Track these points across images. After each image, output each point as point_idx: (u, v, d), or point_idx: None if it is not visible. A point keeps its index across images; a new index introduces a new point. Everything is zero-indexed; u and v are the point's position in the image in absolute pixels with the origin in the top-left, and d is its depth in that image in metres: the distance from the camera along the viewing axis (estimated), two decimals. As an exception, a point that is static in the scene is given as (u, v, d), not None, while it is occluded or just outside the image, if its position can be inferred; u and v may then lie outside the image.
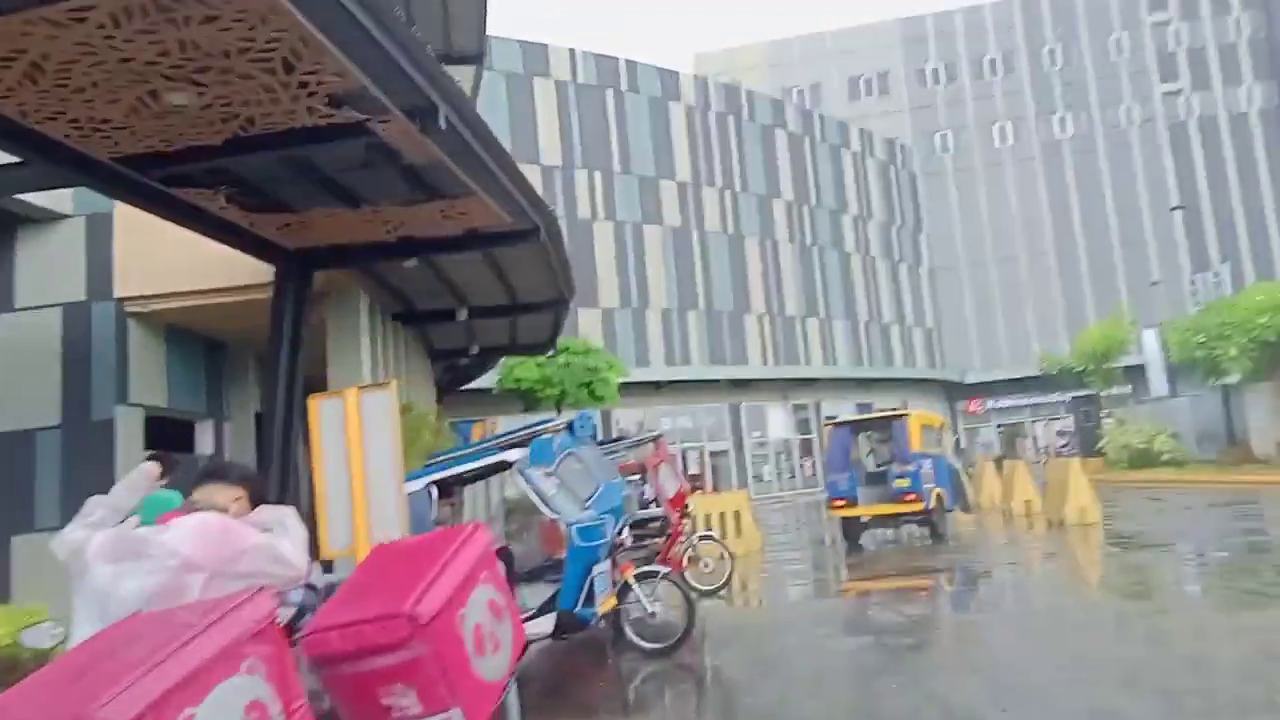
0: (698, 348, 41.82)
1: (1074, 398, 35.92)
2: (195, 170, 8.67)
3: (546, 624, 6.44)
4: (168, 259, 13.28)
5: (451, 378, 29.65)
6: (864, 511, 15.04)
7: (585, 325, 37.45)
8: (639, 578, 7.37)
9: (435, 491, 6.50)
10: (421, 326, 18.99)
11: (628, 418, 38.63)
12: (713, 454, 41.08)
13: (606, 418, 37.05)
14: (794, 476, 43.34)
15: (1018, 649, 6.85)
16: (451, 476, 6.80)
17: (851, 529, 15.28)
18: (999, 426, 53.46)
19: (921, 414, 18.39)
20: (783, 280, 45.95)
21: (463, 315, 17.59)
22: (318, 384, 14.99)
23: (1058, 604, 8.87)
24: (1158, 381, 34.30)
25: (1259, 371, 23.09)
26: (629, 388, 34.41)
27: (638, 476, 10.30)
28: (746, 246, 44.56)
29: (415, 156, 9.25)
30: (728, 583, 10.71)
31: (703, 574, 10.70)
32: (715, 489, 39.00)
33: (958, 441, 18.96)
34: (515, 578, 7.16)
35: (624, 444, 10.33)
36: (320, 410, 5.59)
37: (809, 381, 44.07)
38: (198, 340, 15.48)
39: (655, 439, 10.47)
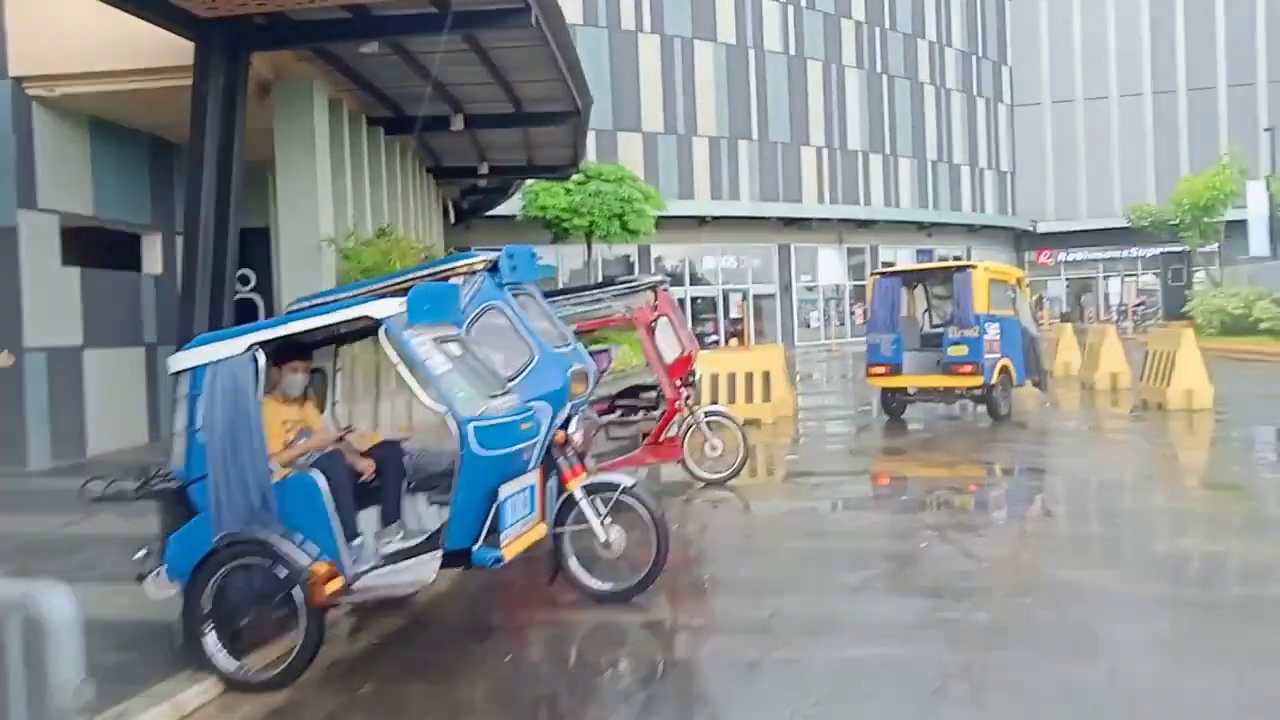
0: (748, 181, 38.43)
1: (1164, 253, 32.30)
2: None
3: (425, 568, 4.19)
4: (77, 32, 10.69)
5: (472, 204, 27.16)
6: (908, 382, 12.52)
7: (625, 150, 34.24)
8: (591, 490, 5.06)
9: (261, 358, 4.14)
10: (413, 136, 16.29)
11: (670, 255, 36.01)
12: (758, 298, 38.49)
13: (644, 254, 34.46)
14: (844, 324, 40.76)
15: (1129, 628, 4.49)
16: (293, 337, 4.41)
17: (893, 401, 12.84)
18: (1068, 282, 49.74)
19: (993, 266, 15.41)
20: (847, 110, 41.74)
21: (458, 124, 14.86)
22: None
23: (1177, 551, 6.46)
24: (1259, 240, 30.51)
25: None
26: (669, 222, 31.59)
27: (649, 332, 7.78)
28: (809, 70, 40.21)
29: None
30: (739, 469, 8.42)
31: (709, 458, 8.41)
32: (758, 336, 36.72)
33: (1039, 300, 15.58)
34: (405, 485, 4.89)
35: (608, 292, 7.84)
36: None
37: (867, 223, 40.67)
38: (137, 139, 13.04)
39: (654, 285, 7.96)
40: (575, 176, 25.62)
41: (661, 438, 7.85)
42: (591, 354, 9.11)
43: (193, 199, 9.89)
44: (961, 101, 47.81)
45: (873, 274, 13.67)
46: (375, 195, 13.81)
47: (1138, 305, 40.70)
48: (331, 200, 11.72)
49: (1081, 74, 53.95)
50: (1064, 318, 37.74)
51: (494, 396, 4.46)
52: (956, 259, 39.42)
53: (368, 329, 4.49)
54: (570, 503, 5.05)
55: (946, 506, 7.61)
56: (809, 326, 39.82)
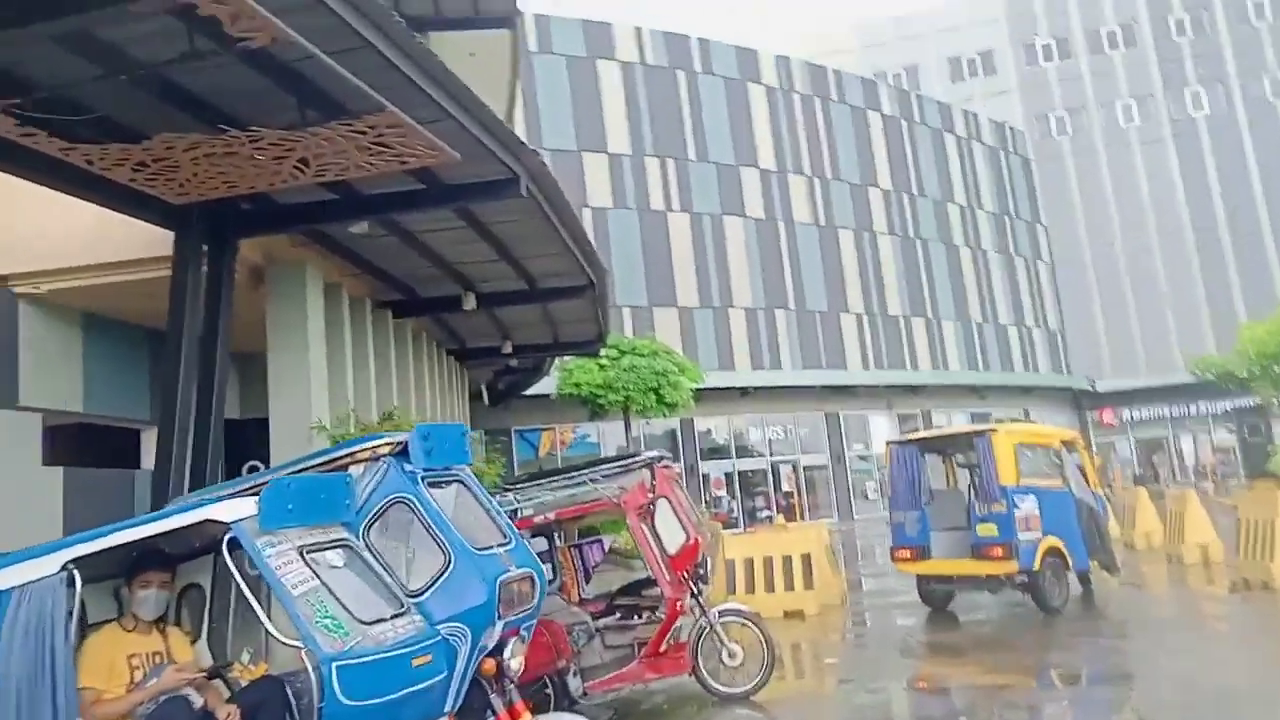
0: (788, 350, 37.76)
1: (1235, 408, 30.38)
2: None
3: None
4: (61, 228, 10.45)
5: (508, 384, 26.70)
6: (938, 568, 10.75)
7: (662, 326, 33.96)
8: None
9: (78, 579, 3.13)
10: (428, 319, 15.87)
11: (714, 428, 35.03)
12: (809, 469, 36.94)
13: (688, 427, 33.51)
14: (900, 494, 38.72)
15: None
16: (128, 550, 3.41)
17: (931, 591, 11.07)
18: (1136, 442, 47.30)
19: (1022, 427, 13.91)
20: (883, 276, 41.44)
21: (470, 303, 14.35)
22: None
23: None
24: (1339, 385, 28.60)
25: None
26: (710, 394, 30.78)
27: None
28: (840, 239, 40.29)
29: (261, 38, 6.10)
30: (764, 680, 6.99)
31: (727, 668, 7.01)
32: (813, 510, 34.99)
33: (1100, 468, 13.46)
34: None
35: (599, 471, 6.76)
36: None
37: (916, 389, 39.43)
38: (134, 332, 12.65)
39: (650, 463, 6.88)
40: (609, 352, 25.15)
41: (664, 646, 6.50)
42: (580, 546, 8.05)
43: (169, 392, 9.22)
44: (1000, 261, 47.43)
45: (888, 443, 12.09)
46: (382, 379, 13.16)
47: (1218, 465, 38.19)
48: (327, 386, 11.04)
49: (1119, 225, 53.66)
50: (1137, 480, 35.45)
51: (379, 621, 3.35)
52: (985, 425, 37.78)
53: (201, 543, 3.48)
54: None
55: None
56: (866, 498, 37.93)
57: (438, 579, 3.74)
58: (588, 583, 7.53)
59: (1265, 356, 27.26)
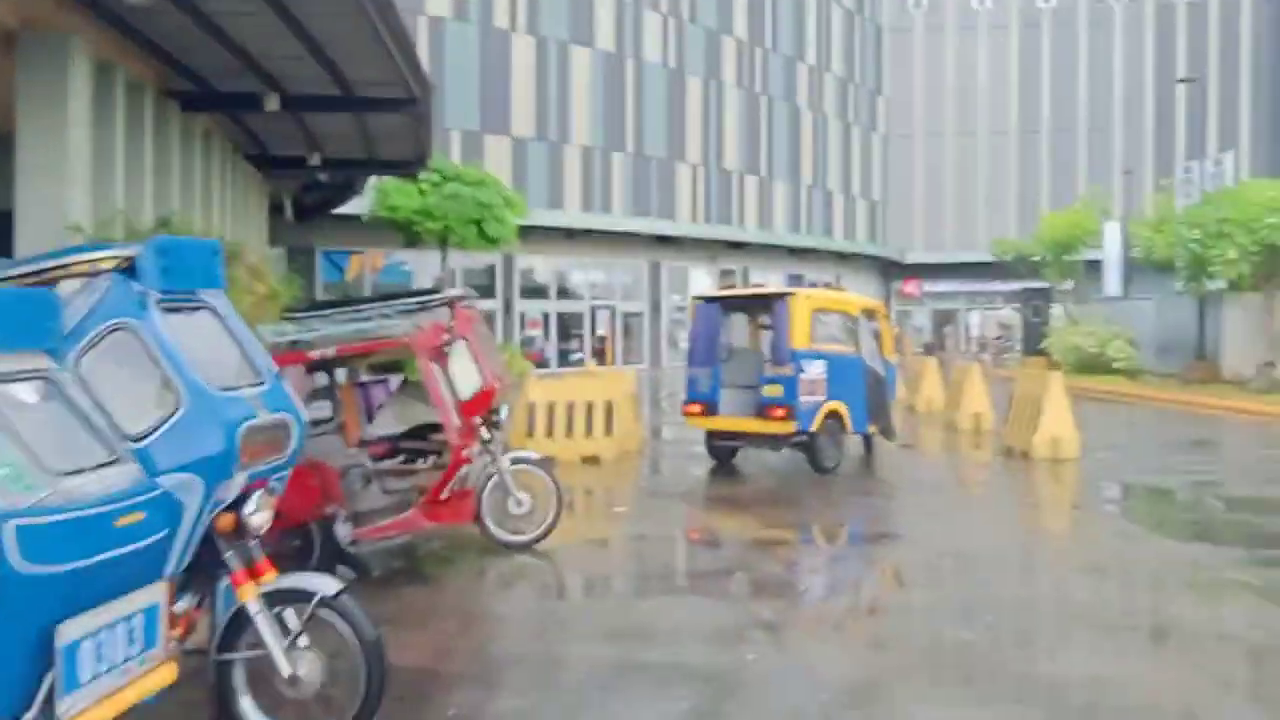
0: (620, 195, 37.25)
1: (1025, 289, 32.72)
2: None
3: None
4: None
5: (316, 200, 24.89)
6: (723, 425, 10.88)
7: (493, 154, 32.49)
8: (274, 600, 3.50)
9: None
10: (223, 117, 14.26)
11: (537, 266, 34.43)
12: (627, 315, 37.28)
13: (509, 263, 32.75)
14: (713, 346, 39.91)
15: None
16: None
17: (717, 445, 11.26)
18: (932, 314, 50.65)
19: (820, 294, 14.21)
20: (724, 128, 41.17)
21: (273, 104, 12.91)
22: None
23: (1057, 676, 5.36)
24: (1113, 281, 31.22)
25: (1247, 280, 19.84)
26: (535, 232, 29.99)
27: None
28: (689, 85, 39.44)
29: None
30: (548, 530, 6.92)
31: (513, 516, 6.87)
32: (626, 355, 35.53)
33: (898, 337, 13.97)
34: None
35: (393, 306, 6.23)
36: None
37: (740, 245, 40.10)
38: None
39: (452, 301, 6.41)
40: (432, 177, 23.79)
41: (445, 493, 6.22)
42: (366, 384, 7.59)
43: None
44: (838, 128, 48.13)
45: (692, 299, 12.02)
46: (162, 180, 11.74)
47: (996, 339, 41.48)
48: (90, 181, 9.67)
49: (952, 107, 55.41)
50: (928, 349, 38.05)
51: (78, 471, 2.84)
52: (827, 284, 39.33)
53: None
54: (243, 618, 3.47)
55: (784, 594, 6.33)
56: (678, 346, 38.86)
57: (164, 423, 3.22)
58: (370, 423, 7.11)
59: (1058, 245, 29.27)
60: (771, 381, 10.19)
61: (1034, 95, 55.33)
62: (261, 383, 3.72)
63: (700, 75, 39.84)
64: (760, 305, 11.47)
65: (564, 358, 34.15)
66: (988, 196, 54.68)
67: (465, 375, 6.40)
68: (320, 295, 27.48)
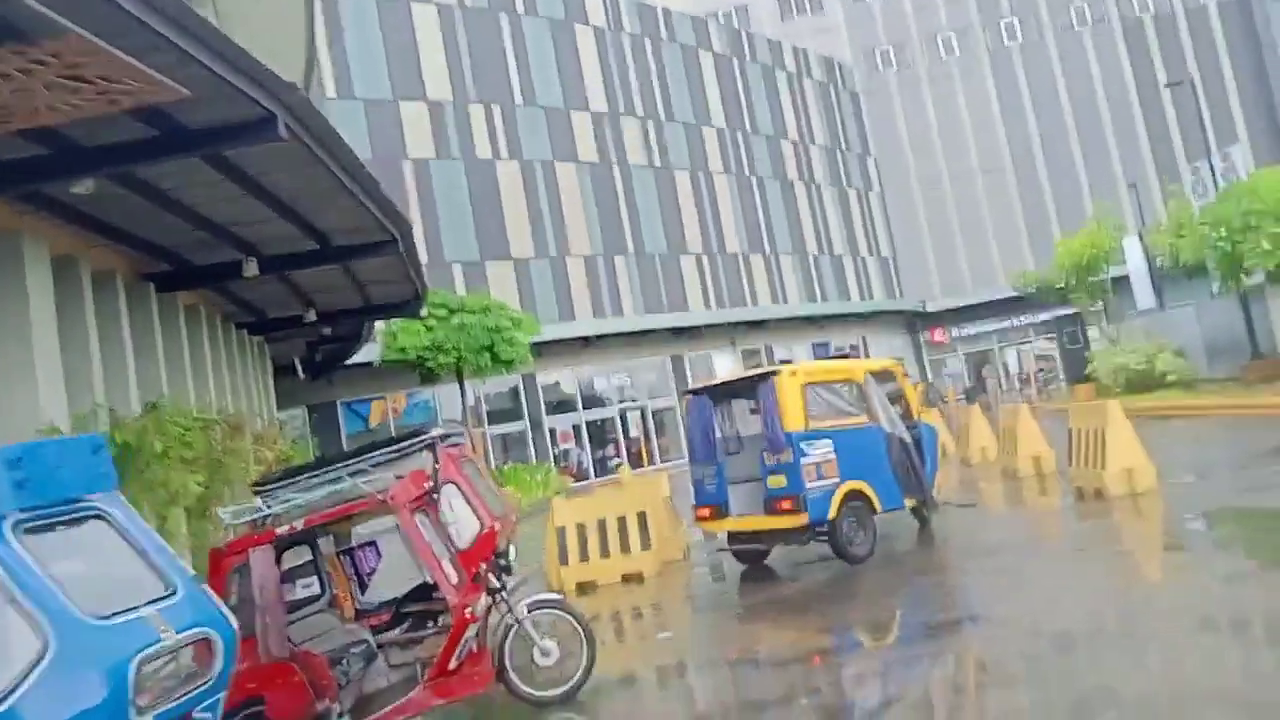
0: (630, 296, 37.09)
1: (1056, 317, 31.74)
2: None
3: None
4: None
5: (326, 354, 24.73)
6: (737, 525, 9.81)
7: (496, 280, 32.55)
8: None
9: None
10: (207, 291, 14.04)
11: (561, 380, 34.04)
12: (656, 413, 36.58)
13: (530, 382, 32.37)
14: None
15: None
16: None
17: (740, 548, 10.11)
18: (965, 357, 49.45)
19: (811, 366, 13.06)
20: (720, 215, 41.22)
21: (252, 269, 12.65)
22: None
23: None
24: (1143, 294, 30.20)
25: (1287, 268, 18.87)
26: (552, 347, 29.77)
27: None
28: (677, 180, 39.68)
29: None
30: (582, 680, 6.06)
31: (542, 669, 6.05)
32: (663, 454, 34.68)
33: (926, 391, 12.77)
34: None
35: (367, 460, 5.59)
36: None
37: (757, 324, 39.60)
38: None
39: (432, 444, 5.75)
40: (437, 311, 23.65)
41: (454, 662, 5.40)
42: (351, 550, 6.86)
43: None
44: (833, 194, 48.16)
45: (681, 394, 10.80)
46: (145, 365, 11.39)
47: (1038, 372, 40.25)
48: (62, 378, 9.28)
49: (943, 153, 55.42)
50: (969, 395, 36.90)
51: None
52: (853, 348, 38.55)
53: None
54: None
55: None
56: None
57: (29, 674, 2.56)
58: (364, 591, 6.37)
59: (1079, 267, 28.44)
60: (774, 471, 9.16)
61: (1020, 128, 55.26)
62: (170, 594, 3.04)
63: (686, 169, 40.16)
64: (747, 389, 10.21)
65: (602, 466, 33.39)
66: (996, 232, 54.11)
67: (461, 521, 5.72)
68: (346, 446, 27.08)
